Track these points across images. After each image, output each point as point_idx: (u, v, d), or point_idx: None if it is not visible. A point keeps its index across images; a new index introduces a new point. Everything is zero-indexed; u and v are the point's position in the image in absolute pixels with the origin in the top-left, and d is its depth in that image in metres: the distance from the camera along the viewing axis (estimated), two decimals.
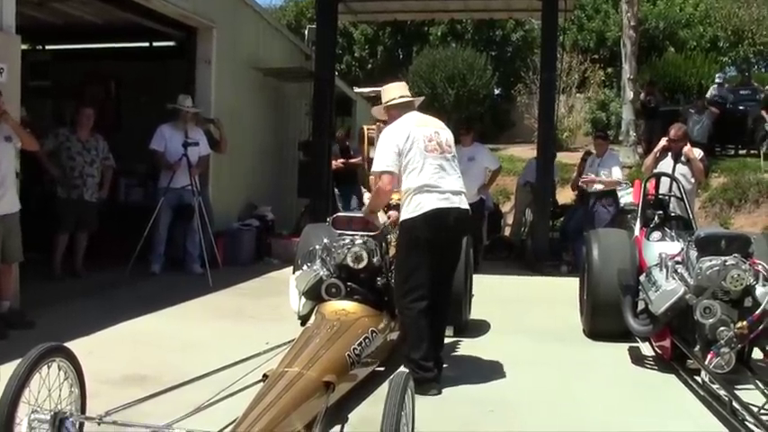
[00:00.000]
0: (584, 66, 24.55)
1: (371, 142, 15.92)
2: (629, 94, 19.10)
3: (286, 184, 14.17)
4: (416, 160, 5.12)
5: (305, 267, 5.63)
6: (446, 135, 5.39)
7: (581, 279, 7.52)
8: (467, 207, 5.33)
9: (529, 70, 24.20)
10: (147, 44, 13.68)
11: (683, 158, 9.24)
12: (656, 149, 9.55)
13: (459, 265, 5.96)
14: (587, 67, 24.72)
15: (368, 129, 16.38)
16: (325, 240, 5.74)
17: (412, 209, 5.12)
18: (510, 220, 14.63)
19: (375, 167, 5.27)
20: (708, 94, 19.69)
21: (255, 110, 13.29)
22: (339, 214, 6.02)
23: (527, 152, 17.83)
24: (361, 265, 5.42)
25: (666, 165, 9.13)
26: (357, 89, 19.88)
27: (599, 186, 11.53)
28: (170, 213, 10.13)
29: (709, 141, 16.87)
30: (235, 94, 12.30)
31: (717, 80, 20.46)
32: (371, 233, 5.60)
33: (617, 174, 11.62)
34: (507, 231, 14.34)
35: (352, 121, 17.99)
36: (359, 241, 5.51)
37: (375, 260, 5.49)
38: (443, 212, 5.11)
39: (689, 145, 9.56)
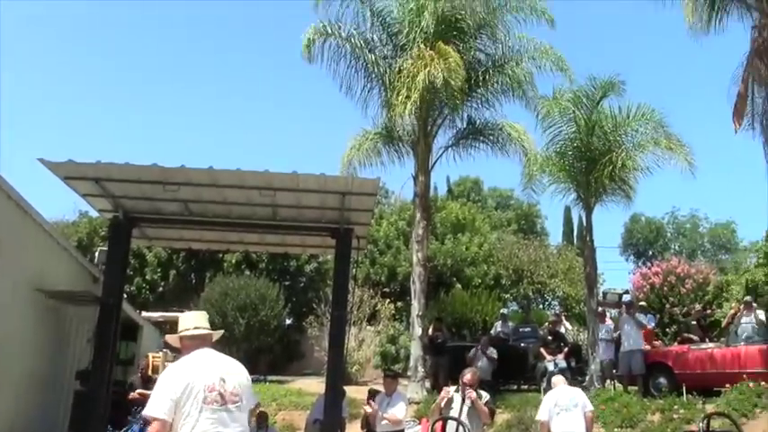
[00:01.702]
0: (375, 300, 25.18)
1: (156, 371, 15.26)
2: (418, 330, 19.56)
3: (59, 416, 13.13)
4: (192, 414, 4.77)
5: None
6: (234, 382, 5.05)
7: None
8: None
9: (321, 302, 24.50)
10: None
11: (469, 403, 9.39)
12: (443, 395, 9.70)
13: None
14: (378, 300, 25.37)
15: (153, 357, 15.73)
16: None
17: None
18: None
19: (148, 410, 4.80)
20: (492, 331, 20.62)
21: (31, 334, 12.46)
22: None
23: (316, 385, 17.63)
24: None
25: (455, 407, 9.22)
26: (145, 313, 19.26)
27: (385, 424, 11.50)
28: None
29: (492, 377, 17.44)
30: (10, 315, 11.52)
31: (500, 315, 21.65)
32: None
33: (401, 412, 11.66)
34: None
35: (137, 348, 17.22)
36: None
37: None
38: None
39: (473, 392, 9.74)
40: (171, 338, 5.45)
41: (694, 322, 19.80)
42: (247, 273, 26.41)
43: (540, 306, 32.62)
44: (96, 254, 17.06)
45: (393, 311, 26.32)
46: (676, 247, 49.72)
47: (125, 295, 14.22)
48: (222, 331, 5.77)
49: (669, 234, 51.95)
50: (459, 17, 19.88)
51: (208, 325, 5.36)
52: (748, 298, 17.71)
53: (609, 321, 19.12)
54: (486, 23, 20.30)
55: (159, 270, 28.80)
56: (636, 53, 76.68)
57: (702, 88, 72.29)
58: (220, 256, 27.73)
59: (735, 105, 15.35)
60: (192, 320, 5.32)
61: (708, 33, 16.69)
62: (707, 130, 66.25)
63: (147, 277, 28.70)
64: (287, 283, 27.96)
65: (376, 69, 20.06)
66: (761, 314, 16.64)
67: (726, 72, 15.68)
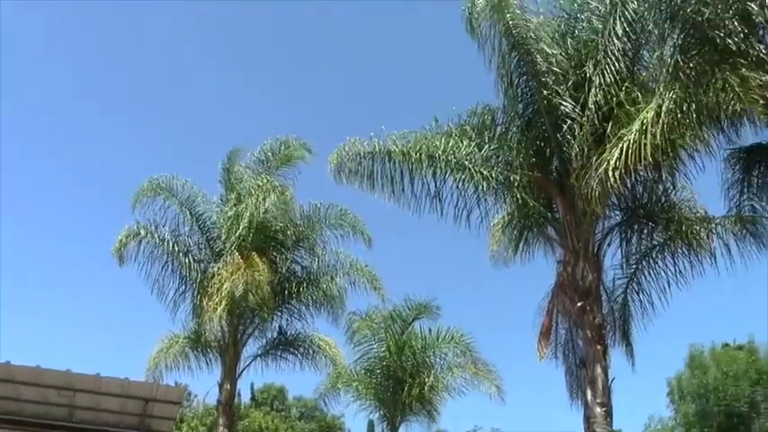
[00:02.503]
0: None
1: None
2: None
3: None
4: None
5: None
6: None
7: None
8: None
9: None
10: None
11: None
12: None
13: None
14: None
15: None
16: None
17: None
18: None
19: None
20: None
21: None
22: None
23: None
24: None
25: None
26: None
27: None
28: None
29: None
30: None
31: None
32: None
33: None
34: None
35: None
36: None
37: None
38: None
39: None
40: None
41: None
42: None
43: None
44: None
45: None
46: None
47: None
48: None
49: None
50: (278, 228, 20.22)
51: None
52: None
53: None
54: (306, 237, 20.67)
55: None
56: (453, 275, 79.70)
57: (509, 313, 75.81)
58: None
59: (540, 334, 16.07)
60: None
61: (509, 264, 17.53)
62: (515, 353, 69.16)
63: None
64: None
65: (190, 273, 19.78)
66: None
67: (533, 300, 16.48)
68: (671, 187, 15.62)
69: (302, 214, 20.59)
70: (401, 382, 19.92)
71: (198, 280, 19.59)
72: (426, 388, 19.38)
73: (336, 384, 20.60)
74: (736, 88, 11.68)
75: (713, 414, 35.17)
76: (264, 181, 19.39)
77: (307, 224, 20.64)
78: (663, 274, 16.03)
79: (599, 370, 14.54)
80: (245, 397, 42.89)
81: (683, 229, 15.48)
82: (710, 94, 12.05)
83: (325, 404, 21.01)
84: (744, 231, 15.20)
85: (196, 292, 19.59)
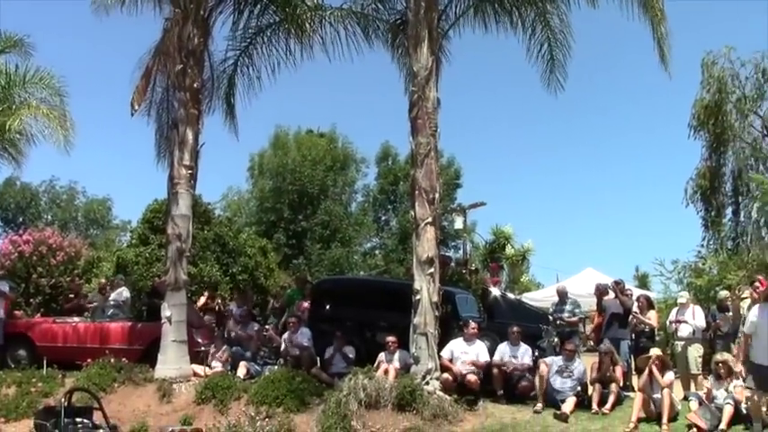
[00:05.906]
0: None
1: None
2: None
3: None
4: None
5: None
6: None
7: None
8: None
9: None
10: None
11: None
12: None
13: None
14: None
15: None
16: None
17: None
18: None
19: None
20: None
21: None
22: None
23: None
24: None
25: None
26: None
27: None
28: None
29: None
30: None
31: None
32: None
33: None
34: None
35: None
36: None
37: None
38: None
39: None
40: None
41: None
42: None
43: None
44: None
45: None
46: (50, 218, 48.56)
47: None
48: None
49: (44, 203, 50.50)
50: None
51: None
52: (120, 276, 18.41)
53: None
54: None
55: None
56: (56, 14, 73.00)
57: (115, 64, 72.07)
58: None
59: (136, 90, 15.88)
60: None
61: (112, 13, 16.30)
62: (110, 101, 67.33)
63: None
64: None
65: None
66: (125, 292, 17.62)
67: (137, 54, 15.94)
68: None
69: None
70: None
71: None
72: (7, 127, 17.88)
73: None
74: None
75: (287, 192, 37.71)
76: None
77: None
78: (275, 52, 16.45)
79: (190, 133, 14.93)
80: None
81: (297, 12, 15.86)
82: None
83: None
84: (356, 26, 16.06)
85: None
